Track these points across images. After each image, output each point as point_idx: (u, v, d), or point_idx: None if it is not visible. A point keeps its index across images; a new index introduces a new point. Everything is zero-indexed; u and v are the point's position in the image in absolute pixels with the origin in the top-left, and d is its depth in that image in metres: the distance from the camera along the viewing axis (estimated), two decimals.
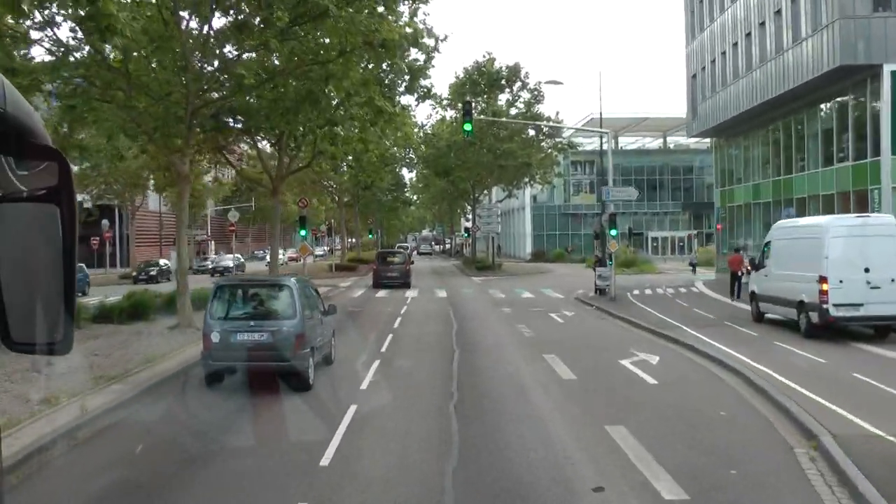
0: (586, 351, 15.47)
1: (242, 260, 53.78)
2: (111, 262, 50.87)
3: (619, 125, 76.91)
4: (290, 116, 20.58)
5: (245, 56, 17.43)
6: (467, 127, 26.01)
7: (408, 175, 77.17)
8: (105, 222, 45.50)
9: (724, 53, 34.04)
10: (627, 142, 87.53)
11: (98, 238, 46.69)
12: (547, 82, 30.02)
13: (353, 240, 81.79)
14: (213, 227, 78.19)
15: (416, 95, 24.26)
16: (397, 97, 24.51)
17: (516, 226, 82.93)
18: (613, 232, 26.37)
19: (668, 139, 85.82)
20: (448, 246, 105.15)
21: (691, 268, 46.52)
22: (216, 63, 16.27)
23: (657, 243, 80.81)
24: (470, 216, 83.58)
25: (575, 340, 17.29)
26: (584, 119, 58.67)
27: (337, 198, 52.09)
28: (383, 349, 15.72)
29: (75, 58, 15.43)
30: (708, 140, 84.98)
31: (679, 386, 11.80)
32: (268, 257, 29.92)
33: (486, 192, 58.61)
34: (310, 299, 12.78)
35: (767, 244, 19.16)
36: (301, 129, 23.28)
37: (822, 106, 27.60)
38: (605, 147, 30.17)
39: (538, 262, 66.52)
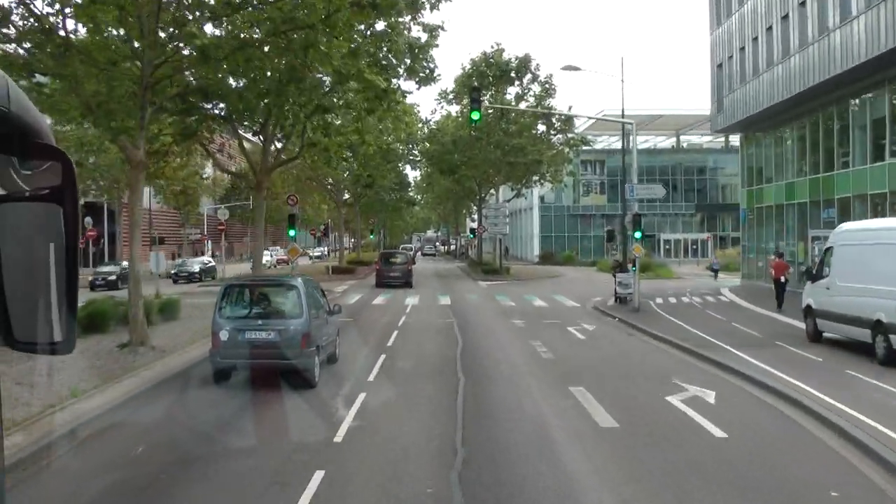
0: (621, 382, 12.60)
1: (213, 263, 47.97)
2: (100, 263, 48.20)
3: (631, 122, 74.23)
4: (272, 99, 17.83)
5: (212, 25, 14.68)
6: (475, 116, 23.21)
7: (412, 174, 74.55)
8: (88, 220, 42.71)
9: (755, 39, 31.11)
10: (638, 141, 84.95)
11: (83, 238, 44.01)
12: (564, 68, 27.02)
13: (354, 240, 79.30)
14: (210, 227, 75.59)
15: (417, 78, 21.39)
16: (397, 81, 21.68)
17: (523, 227, 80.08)
18: (637, 234, 23.53)
19: (682, 138, 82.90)
20: (453, 247, 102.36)
21: (712, 273, 43.68)
22: (172, 29, 13.44)
23: (670, 246, 78.00)
24: (476, 216, 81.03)
25: (604, 365, 14.45)
26: (598, 115, 55.76)
27: (335, 196, 49.21)
28: (371, 377, 12.90)
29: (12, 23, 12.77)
30: (723, 138, 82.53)
31: (756, 441, 8.92)
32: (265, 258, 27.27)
33: (493, 191, 55.81)
34: (315, 299, 13.02)
35: (828, 250, 16.28)
36: (287, 115, 20.53)
37: (873, 93, 24.67)
38: (630, 139, 27.25)
39: (546, 264, 63.72)
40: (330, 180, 46.26)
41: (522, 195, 47.79)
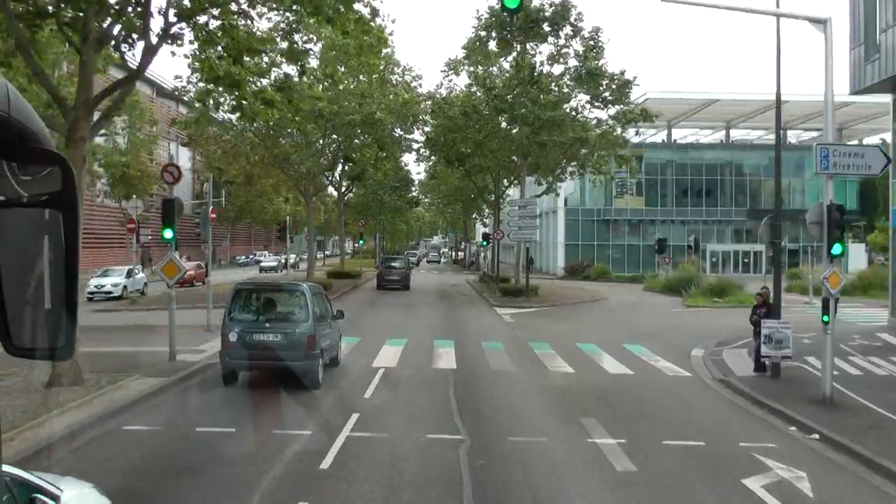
0: None
1: (141, 275, 34.52)
2: None
3: (675, 111, 62.31)
4: None
5: None
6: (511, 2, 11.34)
7: (414, 169, 63.28)
8: None
9: None
10: (680, 135, 72.61)
11: None
12: None
13: (355, 245, 67.26)
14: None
15: None
16: None
17: (545, 234, 68.19)
18: (837, 248, 11.52)
19: (732, 132, 70.67)
20: (461, 255, 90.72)
21: (811, 302, 30.79)
22: None
23: (717, 259, 65.73)
24: (489, 219, 69.02)
25: None
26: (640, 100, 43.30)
27: (301, 184, 36.71)
28: None
29: None
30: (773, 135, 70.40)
31: None
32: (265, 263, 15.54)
33: (514, 183, 43.94)
34: (320, 304, 13.40)
35: None
36: None
37: None
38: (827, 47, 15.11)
39: (574, 278, 51.82)
40: (297, 163, 34.16)
41: (554, 190, 35.83)
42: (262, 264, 54.08)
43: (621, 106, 31.67)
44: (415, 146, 42.06)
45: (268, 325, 12.37)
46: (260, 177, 57.77)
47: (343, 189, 46.16)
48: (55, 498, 3.93)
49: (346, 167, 40.52)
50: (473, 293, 37.73)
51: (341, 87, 30.20)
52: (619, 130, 32.37)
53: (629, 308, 30.38)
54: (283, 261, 56.40)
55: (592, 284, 47.33)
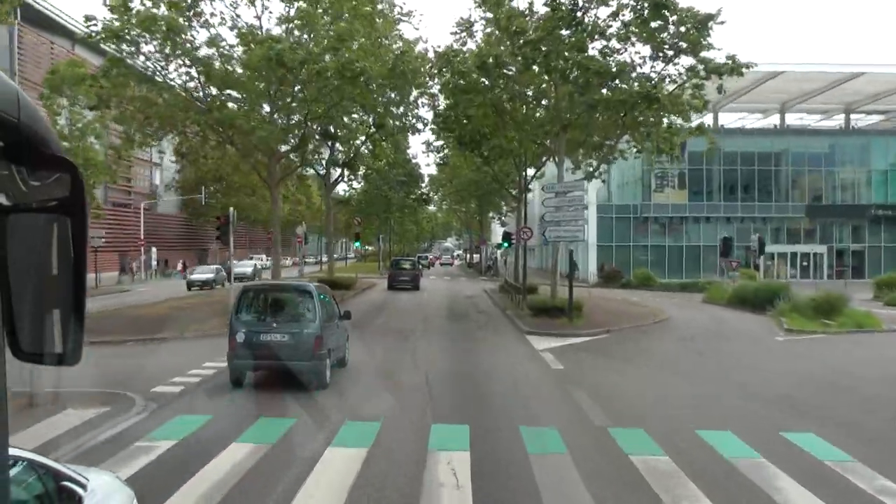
0: None
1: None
2: None
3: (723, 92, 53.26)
4: None
5: None
6: None
7: (424, 163, 55.24)
8: None
9: None
10: (726, 120, 63.21)
11: None
12: None
13: (363, 250, 58.70)
14: (149, 227, 55.89)
15: None
16: None
17: None
18: None
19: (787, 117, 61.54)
20: (476, 258, 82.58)
21: None
22: None
23: (772, 262, 56.86)
24: (509, 217, 60.21)
25: None
26: None
27: (254, 160, 27.29)
28: None
29: None
30: (842, 117, 61.04)
31: None
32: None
33: (541, 173, 35.53)
34: (327, 305, 13.28)
35: None
36: None
37: None
38: None
39: (610, 286, 43.27)
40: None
41: (599, 175, 27.18)
42: (193, 277, 39.79)
43: (695, 61, 22.82)
44: (421, 127, 33.70)
45: (275, 325, 12.29)
46: (230, 174, 49.72)
47: (333, 180, 37.83)
48: (82, 486, 4.11)
49: (331, 148, 32.22)
50: (494, 309, 29.15)
51: (311, 34, 21.94)
52: (689, 91, 23.57)
53: (712, 336, 21.73)
54: (257, 266, 48.06)
55: (635, 294, 38.85)
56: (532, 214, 41.21)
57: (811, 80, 49.03)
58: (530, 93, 25.11)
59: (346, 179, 39.47)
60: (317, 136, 26.25)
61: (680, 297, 38.34)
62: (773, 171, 58.03)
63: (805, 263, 57.64)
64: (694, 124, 26.20)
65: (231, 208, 22.33)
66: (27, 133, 1.25)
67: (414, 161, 70.14)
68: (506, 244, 37.90)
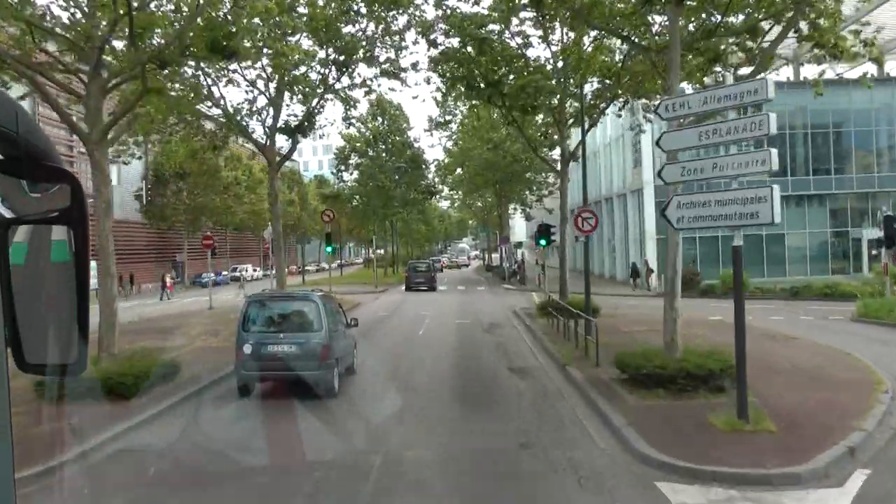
0: None
1: None
2: None
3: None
4: None
5: None
6: None
7: (426, 142, 44.31)
8: None
9: None
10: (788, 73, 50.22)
11: None
12: None
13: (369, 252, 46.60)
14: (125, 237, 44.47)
15: None
16: None
17: (619, 224, 47.23)
18: None
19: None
20: (495, 259, 70.68)
21: None
22: None
23: (876, 252, 43.41)
24: (537, 206, 47.95)
25: None
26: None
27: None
28: None
29: None
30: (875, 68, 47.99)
31: None
32: None
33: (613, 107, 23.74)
34: (334, 314, 13.21)
35: None
36: None
37: None
38: None
39: (687, 294, 30.50)
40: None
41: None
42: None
43: None
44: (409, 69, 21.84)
45: (282, 335, 12.27)
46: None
47: (280, 155, 25.84)
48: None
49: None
50: (543, 366, 16.06)
51: None
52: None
53: None
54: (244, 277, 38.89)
55: (724, 305, 24.92)
56: (573, 200, 28.84)
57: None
58: None
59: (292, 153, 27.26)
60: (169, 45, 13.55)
61: (791, 307, 26.41)
62: (874, 131, 45.52)
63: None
64: None
65: None
66: (26, 146, 1.26)
67: (416, 146, 58.09)
68: (543, 241, 25.68)
